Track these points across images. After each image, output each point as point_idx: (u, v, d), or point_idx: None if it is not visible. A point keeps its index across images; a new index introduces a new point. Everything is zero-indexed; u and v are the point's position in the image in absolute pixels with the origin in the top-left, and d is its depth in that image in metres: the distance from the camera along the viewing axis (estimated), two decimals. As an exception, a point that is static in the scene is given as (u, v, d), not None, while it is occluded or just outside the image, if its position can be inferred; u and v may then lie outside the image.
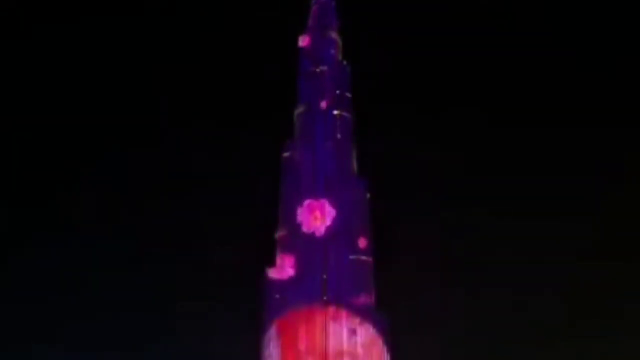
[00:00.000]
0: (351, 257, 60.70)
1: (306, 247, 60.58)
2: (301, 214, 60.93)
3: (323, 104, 63.70)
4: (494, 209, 78.94)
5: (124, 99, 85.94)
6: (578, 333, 74.03)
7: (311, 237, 60.46)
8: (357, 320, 58.96)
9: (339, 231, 60.85)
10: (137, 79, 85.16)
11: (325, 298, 59.29)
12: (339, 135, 63.73)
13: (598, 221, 78.38)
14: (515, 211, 79.52)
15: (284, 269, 59.90)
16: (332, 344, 57.98)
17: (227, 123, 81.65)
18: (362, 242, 60.12)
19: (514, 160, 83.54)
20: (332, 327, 58.36)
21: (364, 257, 61.05)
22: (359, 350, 58.42)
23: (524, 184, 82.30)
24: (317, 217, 60.62)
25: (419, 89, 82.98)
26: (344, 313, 58.91)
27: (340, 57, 67.30)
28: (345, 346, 58.17)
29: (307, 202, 61.00)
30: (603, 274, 76.22)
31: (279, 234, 62.44)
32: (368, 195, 63.17)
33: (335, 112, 64.87)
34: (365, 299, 60.23)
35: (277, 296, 60.44)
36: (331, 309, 58.89)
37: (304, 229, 60.65)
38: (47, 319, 74.54)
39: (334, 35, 67.52)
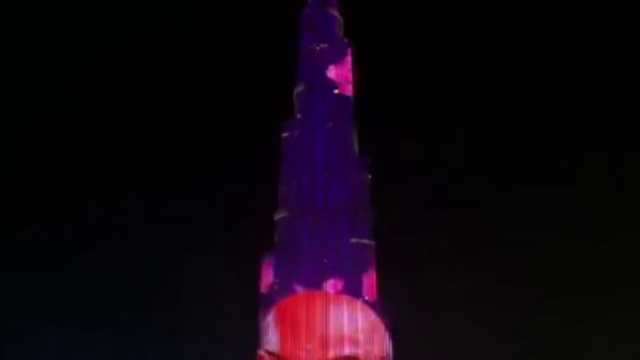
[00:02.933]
0: (352, 240, 59.21)
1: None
2: None
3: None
4: (499, 192, 77.93)
5: (112, 83, 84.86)
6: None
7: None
8: (358, 305, 57.48)
9: (340, 214, 59.64)
10: (131, 59, 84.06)
11: (325, 282, 57.78)
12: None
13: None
14: (521, 194, 78.52)
15: None
16: (332, 329, 56.42)
17: (225, 102, 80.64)
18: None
19: (518, 139, 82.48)
20: (332, 312, 56.80)
21: (365, 241, 59.57)
22: (360, 336, 56.85)
23: (528, 164, 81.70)
24: None
25: (421, 67, 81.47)
26: (344, 298, 57.40)
27: (341, 34, 65.71)
28: (346, 332, 56.60)
29: None
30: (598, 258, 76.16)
31: (279, 215, 60.96)
32: (370, 177, 61.70)
33: (336, 91, 63.48)
34: (366, 283, 58.64)
35: (277, 280, 58.98)
36: (332, 294, 57.39)
37: None
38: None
39: (334, 12, 65.92)
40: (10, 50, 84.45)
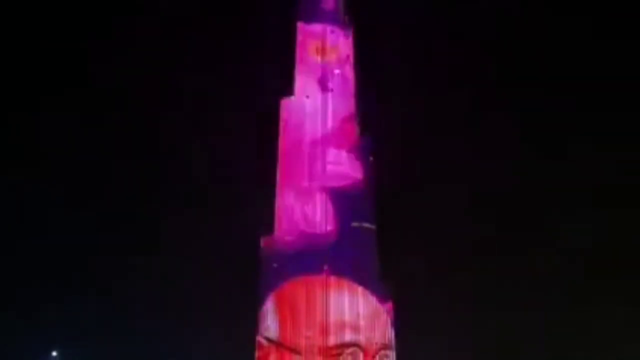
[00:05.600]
0: (354, 224, 57.63)
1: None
2: None
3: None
4: (504, 174, 76.58)
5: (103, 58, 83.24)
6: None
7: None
8: (359, 290, 55.90)
9: (341, 197, 58.01)
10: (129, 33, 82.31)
11: (325, 267, 56.10)
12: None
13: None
14: (527, 177, 77.40)
15: None
16: (333, 316, 54.97)
17: (224, 82, 79.10)
18: None
19: (521, 120, 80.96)
20: (333, 298, 55.30)
21: (367, 225, 58.01)
22: (362, 322, 55.47)
23: (531, 145, 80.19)
24: None
25: (424, 45, 79.87)
26: (345, 283, 55.84)
27: (342, 12, 63.69)
28: (347, 318, 55.18)
29: None
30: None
31: (278, 198, 59.10)
32: (371, 159, 60.07)
33: (337, 70, 61.77)
34: (368, 268, 57.11)
35: (275, 265, 57.40)
36: (332, 279, 55.79)
37: None
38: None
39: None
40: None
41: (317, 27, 62.33)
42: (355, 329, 55.26)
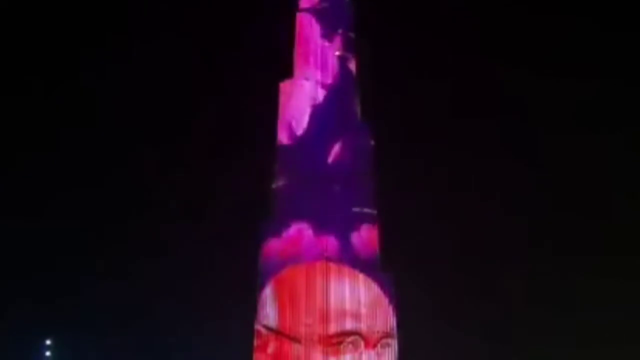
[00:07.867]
0: (354, 209, 56.28)
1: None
2: None
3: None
4: (504, 160, 75.69)
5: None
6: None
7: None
8: (360, 277, 54.50)
9: (341, 181, 56.70)
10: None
11: (326, 254, 54.82)
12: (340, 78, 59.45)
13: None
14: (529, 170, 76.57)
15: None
16: (333, 303, 53.58)
17: (221, 67, 78.05)
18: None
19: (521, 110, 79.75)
20: (333, 285, 53.95)
21: (368, 210, 56.60)
22: (363, 310, 54.06)
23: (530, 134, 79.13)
24: None
25: (426, 28, 78.62)
26: (346, 270, 54.47)
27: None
28: (347, 306, 53.77)
29: None
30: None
31: (277, 184, 57.96)
32: (372, 143, 58.69)
33: (337, 53, 60.39)
34: (369, 254, 55.79)
35: (275, 251, 55.99)
36: (332, 266, 54.44)
37: None
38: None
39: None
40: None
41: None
42: (357, 317, 53.96)
